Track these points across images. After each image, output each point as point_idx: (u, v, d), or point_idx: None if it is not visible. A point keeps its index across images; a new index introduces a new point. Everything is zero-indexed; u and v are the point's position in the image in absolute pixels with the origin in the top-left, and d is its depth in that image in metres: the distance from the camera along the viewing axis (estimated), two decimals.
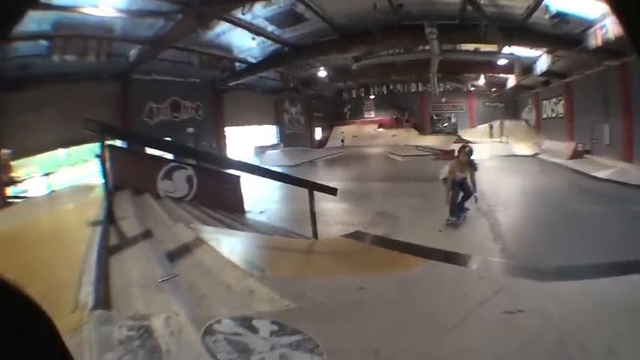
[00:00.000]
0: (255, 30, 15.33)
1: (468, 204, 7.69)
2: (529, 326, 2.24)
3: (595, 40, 11.15)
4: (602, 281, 3.11)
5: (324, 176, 13.81)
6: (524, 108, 25.57)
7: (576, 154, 15.65)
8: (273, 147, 24.13)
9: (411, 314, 2.47)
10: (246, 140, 24.06)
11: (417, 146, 22.38)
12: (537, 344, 2.09)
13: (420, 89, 25.79)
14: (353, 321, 2.30)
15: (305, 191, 5.99)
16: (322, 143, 28.41)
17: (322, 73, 22.18)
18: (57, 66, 14.62)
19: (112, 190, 5.20)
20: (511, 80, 20.77)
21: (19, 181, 14.04)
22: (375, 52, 18.60)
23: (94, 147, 16.55)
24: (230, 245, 3.78)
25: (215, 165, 6.77)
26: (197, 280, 2.64)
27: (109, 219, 4.20)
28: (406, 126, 28.35)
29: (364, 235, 5.42)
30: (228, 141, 23.18)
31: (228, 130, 23.37)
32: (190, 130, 20.82)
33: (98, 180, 13.25)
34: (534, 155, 18.53)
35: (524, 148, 20.11)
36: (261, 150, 22.79)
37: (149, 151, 7.42)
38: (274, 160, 19.62)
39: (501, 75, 21.30)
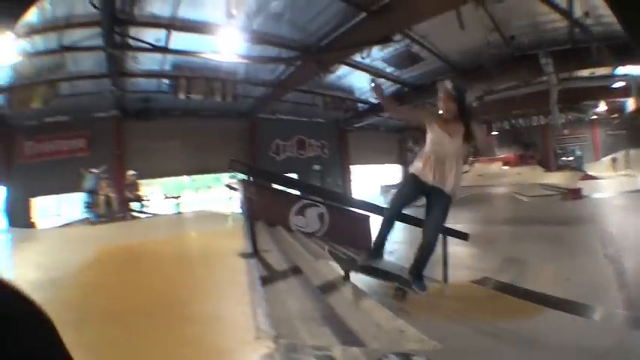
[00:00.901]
0: (374, 72, 15.96)
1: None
2: None
3: None
4: None
5: (450, 218, 13.38)
6: None
7: None
8: (394, 186, 24.11)
9: None
10: (371, 179, 24.68)
11: (542, 185, 21.28)
12: None
13: (541, 122, 24.95)
14: None
15: None
16: None
17: None
18: (183, 102, 16.58)
19: (253, 223, 5.52)
20: (630, 103, 19.51)
21: (144, 200, 15.55)
22: (494, 89, 18.54)
23: (219, 177, 18.10)
24: (370, 284, 4.04)
25: (348, 205, 7.19)
26: (348, 316, 2.84)
27: (255, 250, 4.58)
28: (531, 162, 26.96)
29: (491, 281, 5.52)
30: (353, 179, 24.05)
31: (354, 169, 24.27)
32: (317, 167, 22.11)
33: (223, 207, 14.27)
34: None
35: None
36: (386, 189, 22.76)
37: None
38: None
39: (620, 99, 20.21)
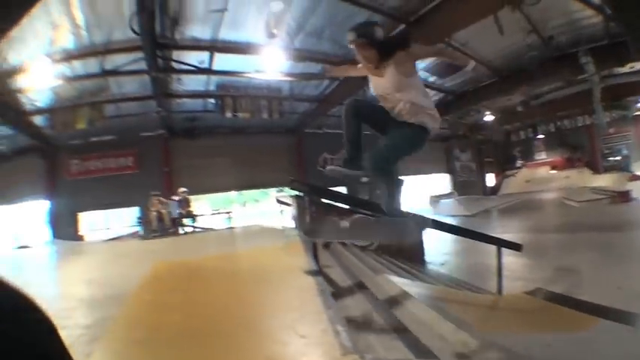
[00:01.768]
0: None
1: None
2: None
3: None
4: None
5: (500, 227, 13.75)
6: None
7: None
8: (447, 196, 24.22)
9: None
10: (421, 189, 24.62)
11: (591, 188, 20.74)
12: None
13: (586, 122, 24.48)
14: None
15: (484, 244, 6.35)
16: (494, 190, 27.66)
17: (488, 117, 22.44)
18: (229, 120, 17.37)
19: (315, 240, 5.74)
20: None
21: (195, 215, 16.22)
22: (538, 93, 18.51)
23: (266, 191, 18.60)
24: (429, 297, 4.14)
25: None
26: (415, 329, 2.93)
27: (318, 265, 4.88)
28: (578, 165, 26.16)
29: (543, 292, 5.41)
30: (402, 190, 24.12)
31: (408, 179, 24.26)
32: (364, 179, 21.89)
33: (273, 221, 14.62)
34: None
35: None
36: (435, 199, 23.09)
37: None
38: (449, 210, 19.83)
39: None
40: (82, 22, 11.38)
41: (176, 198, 16.22)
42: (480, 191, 27.88)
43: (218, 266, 6.38)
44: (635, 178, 20.37)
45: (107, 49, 12.64)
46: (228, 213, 19.63)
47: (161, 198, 15.29)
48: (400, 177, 4.30)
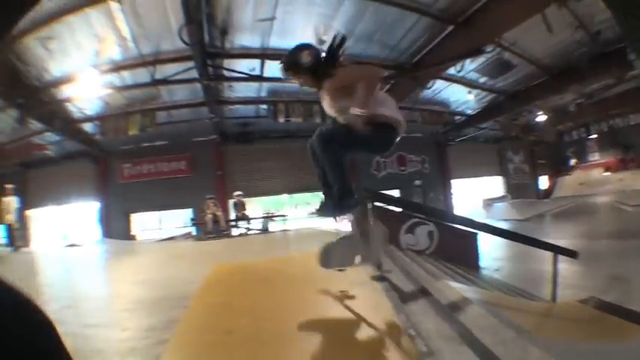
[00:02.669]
0: (467, 83, 16.41)
1: None
2: None
3: None
4: None
5: (553, 232, 13.59)
6: None
7: None
8: (501, 199, 24.05)
9: None
10: (473, 193, 24.90)
11: None
12: None
13: (639, 121, 23.63)
14: None
15: (536, 249, 6.45)
16: (547, 193, 26.92)
17: (541, 117, 22.21)
18: (282, 125, 17.78)
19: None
20: None
21: (249, 218, 16.82)
22: (590, 91, 18.31)
23: (318, 194, 18.98)
24: (487, 303, 4.16)
25: (459, 224, 7.43)
26: (479, 335, 2.92)
27: (382, 270, 4.91)
28: (631, 167, 24.89)
29: (595, 301, 5.37)
30: (455, 193, 24.55)
31: (455, 183, 24.73)
32: (417, 182, 22.73)
33: (325, 224, 14.85)
34: None
35: None
36: (488, 203, 23.01)
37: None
38: (502, 214, 19.66)
39: None
40: (128, 34, 11.97)
41: (231, 201, 16.87)
42: (533, 194, 27.34)
43: (280, 269, 6.46)
44: None
45: (157, 60, 13.26)
46: (282, 216, 20.08)
47: (216, 201, 15.87)
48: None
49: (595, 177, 26.23)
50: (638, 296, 6.37)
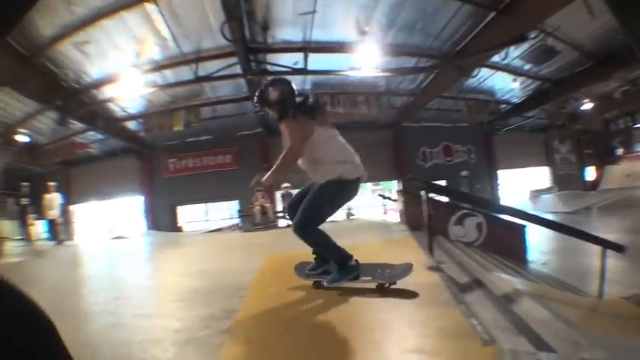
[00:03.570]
0: (512, 71, 16.21)
1: None
2: None
3: None
4: None
5: (602, 227, 13.05)
6: None
7: None
8: (547, 191, 23.61)
9: None
10: (520, 184, 24.52)
11: None
12: None
13: None
14: None
15: (582, 243, 6.41)
16: (594, 185, 26.06)
17: (586, 105, 21.59)
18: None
19: (433, 236, 5.93)
20: None
21: None
22: (636, 77, 17.98)
23: (365, 186, 19.15)
24: (537, 295, 4.15)
25: (514, 216, 7.14)
26: (532, 326, 3.00)
27: (436, 261, 5.05)
28: None
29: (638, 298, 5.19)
30: (501, 184, 24.28)
31: (501, 173, 24.47)
32: (464, 173, 22.42)
33: (372, 215, 14.97)
34: None
35: None
36: (535, 194, 22.68)
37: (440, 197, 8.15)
38: (549, 206, 19.35)
39: None
40: (168, 34, 12.41)
41: (279, 193, 17.30)
42: (580, 185, 26.58)
43: None
44: None
45: (199, 57, 13.70)
46: None
47: (264, 192, 16.31)
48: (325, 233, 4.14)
49: None
50: None
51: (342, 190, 4.11)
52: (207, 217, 22.34)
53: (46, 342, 0.92)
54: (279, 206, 18.36)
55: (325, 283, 4.21)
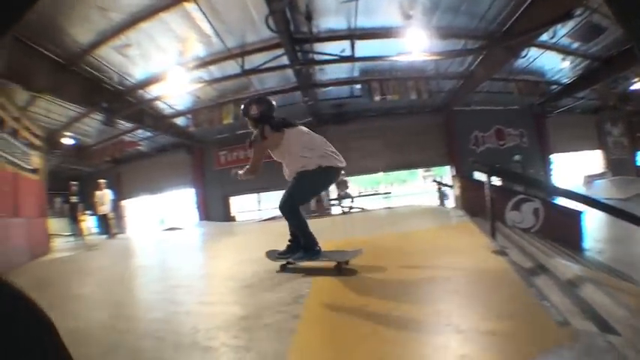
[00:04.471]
0: (561, 49, 15.85)
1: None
2: None
3: None
4: None
5: None
6: None
7: None
8: (601, 176, 23.08)
9: None
10: (573, 168, 23.97)
11: None
12: None
13: None
14: None
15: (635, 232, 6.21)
16: None
17: (636, 85, 20.68)
18: (377, 103, 18.46)
19: (495, 220, 6.09)
20: None
21: (352, 196, 17.37)
22: None
23: (414, 172, 19.65)
24: (597, 282, 4.02)
25: (578, 202, 6.99)
26: (600, 311, 3.09)
27: (500, 246, 5.16)
28: None
29: None
30: (555, 169, 23.64)
31: (554, 157, 23.78)
32: (517, 157, 22.31)
33: (425, 201, 15.09)
34: None
35: None
36: (589, 180, 22.28)
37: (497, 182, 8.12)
38: (602, 192, 18.76)
39: None
40: (210, 31, 12.73)
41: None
42: (633, 170, 25.29)
43: (396, 245, 6.46)
44: None
45: (244, 51, 14.05)
46: (386, 193, 20.83)
47: None
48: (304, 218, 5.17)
49: None
50: None
51: (320, 177, 5.10)
52: (259, 206, 22.84)
53: (46, 342, 0.95)
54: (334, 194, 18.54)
55: (292, 259, 5.23)
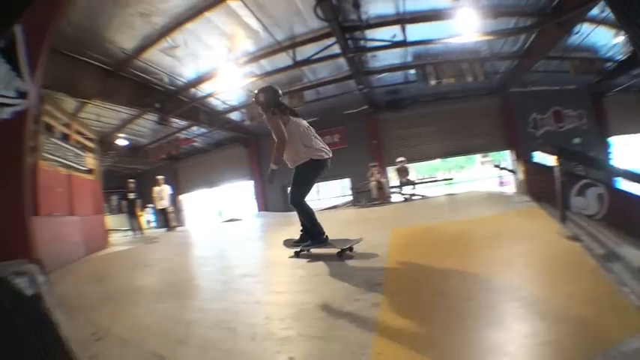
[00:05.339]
0: (611, 24, 15.26)
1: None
2: None
3: None
4: None
5: None
6: None
7: None
8: None
9: None
10: (634, 151, 22.62)
11: None
12: None
13: None
14: None
15: None
16: None
17: None
18: (432, 88, 18.32)
19: (564, 206, 6.16)
20: None
21: (414, 183, 17.63)
22: None
23: (472, 158, 19.64)
24: None
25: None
26: None
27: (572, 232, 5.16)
28: None
29: None
30: (616, 152, 22.49)
31: (614, 140, 22.54)
32: (577, 140, 21.53)
33: (484, 187, 15.05)
34: None
35: None
36: None
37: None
38: None
39: None
40: (258, 26, 13.04)
41: (395, 167, 18.03)
42: None
43: (464, 231, 6.45)
44: None
45: (294, 43, 14.31)
46: (448, 179, 20.91)
47: (379, 168, 16.87)
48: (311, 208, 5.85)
49: None
50: None
51: (314, 170, 5.79)
52: (318, 196, 23.13)
53: (47, 341, 0.96)
54: (395, 181, 18.89)
55: (303, 247, 5.99)
